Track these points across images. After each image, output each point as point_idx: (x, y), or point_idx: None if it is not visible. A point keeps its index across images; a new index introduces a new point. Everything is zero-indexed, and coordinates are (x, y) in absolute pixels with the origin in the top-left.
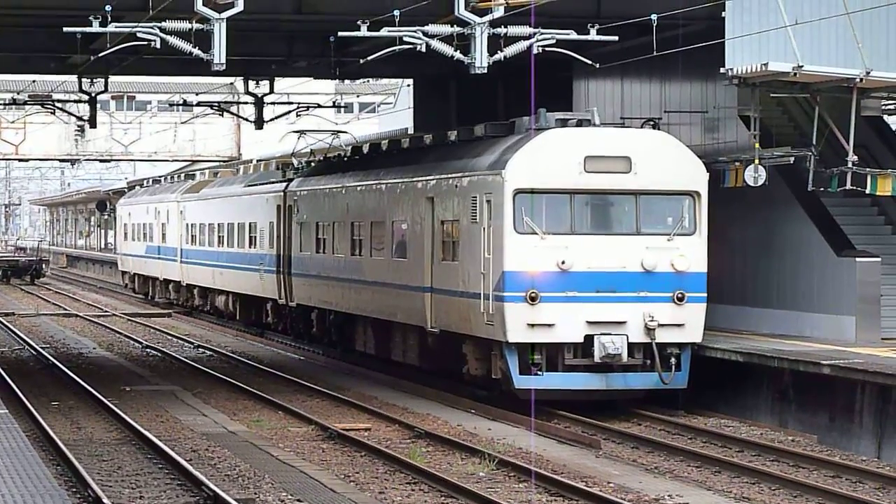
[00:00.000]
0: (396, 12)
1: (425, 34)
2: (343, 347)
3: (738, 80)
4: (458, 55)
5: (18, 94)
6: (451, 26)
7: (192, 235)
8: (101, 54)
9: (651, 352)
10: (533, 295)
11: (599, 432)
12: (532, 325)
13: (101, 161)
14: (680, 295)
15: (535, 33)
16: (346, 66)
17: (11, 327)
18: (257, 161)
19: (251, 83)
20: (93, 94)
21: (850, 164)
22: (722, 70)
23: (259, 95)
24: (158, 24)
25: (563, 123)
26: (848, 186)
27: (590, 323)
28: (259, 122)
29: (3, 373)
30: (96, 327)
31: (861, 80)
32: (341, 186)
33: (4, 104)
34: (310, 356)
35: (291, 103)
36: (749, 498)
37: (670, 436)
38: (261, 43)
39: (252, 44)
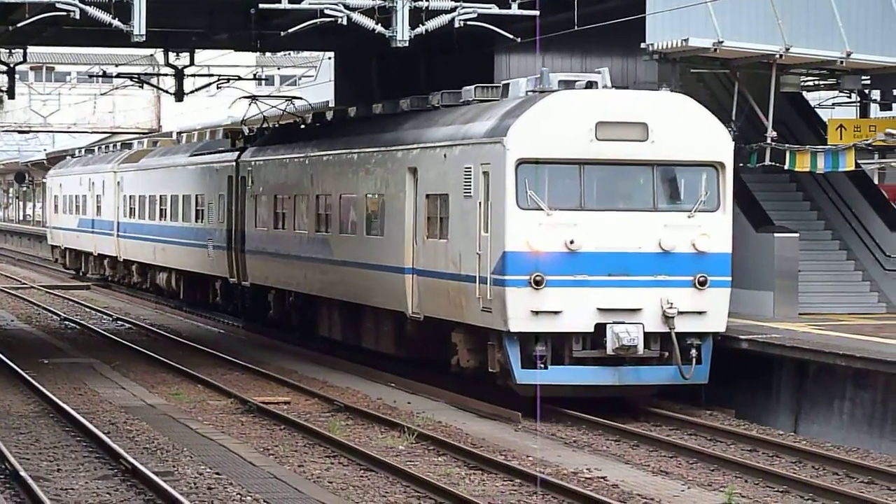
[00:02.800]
0: None
1: (346, 7)
2: (304, 332)
3: (658, 55)
4: (379, 28)
5: None
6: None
7: (131, 208)
8: (19, 24)
9: (670, 343)
10: (538, 278)
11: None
12: (536, 313)
13: (19, 132)
14: (702, 279)
15: (456, 7)
16: (267, 38)
17: None
18: (202, 129)
19: (171, 55)
20: (11, 65)
21: (769, 141)
22: (643, 45)
23: (179, 67)
24: None
25: (569, 85)
26: (767, 162)
27: (601, 310)
28: (179, 95)
29: None
30: (14, 300)
31: (780, 56)
32: (304, 156)
33: None
34: (230, 329)
35: (212, 76)
36: (667, 471)
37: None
38: (181, 15)
39: (173, 16)
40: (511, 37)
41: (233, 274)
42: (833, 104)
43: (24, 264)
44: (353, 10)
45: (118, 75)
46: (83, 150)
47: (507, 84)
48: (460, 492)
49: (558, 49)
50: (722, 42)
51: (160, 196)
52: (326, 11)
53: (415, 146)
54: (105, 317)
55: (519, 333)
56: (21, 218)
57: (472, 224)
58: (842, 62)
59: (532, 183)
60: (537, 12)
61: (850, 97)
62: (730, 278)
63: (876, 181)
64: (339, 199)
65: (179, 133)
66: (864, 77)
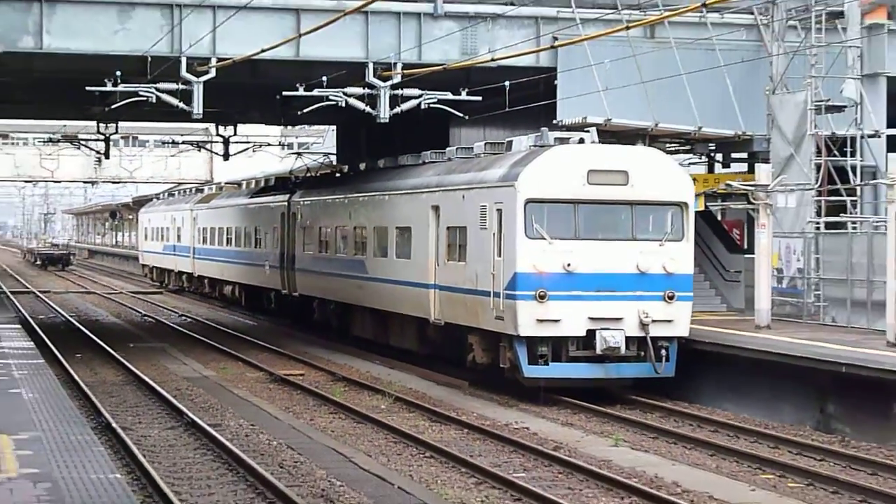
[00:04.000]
0: (324, 78)
1: (345, 94)
2: (341, 332)
3: (565, 128)
4: (367, 109)
5: (54, 134)
6: (363, 88)
7: (203, 237)
8: (113, 106)
9: (645, 344)
10: (542, 294)
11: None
12: (541, 321)
13: (112, 183)
14: (670, 294)
15: (422, 94)
16: (288, 115)
17: (47, 300)
18: (259, 178)
19: (220, 127)
20: (107, 135)
21: None
22: (554, 121)
23: (226, 136)
24: (154, 85)
25: (563, 141)
26: None
27: (591, 319)
28: (226, 156)
29: (41, 333)
30: (108, 301)
31: (651, 129)
32: (344, 197)
33: (44, 141)
34: (261, 323)
35: (249, 142)
36: (572, 424)
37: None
38: (227, 99)
39: (221, 100)
40: (461, 115)
41: (284, 286)
42: (689, 163)
43: (115, 276)
44: (349, 96)
45: (182, 142)
46: (165, 194)
47: (511, 141)
48: (425, 438)
49: (494, 123)
50: (610, 119)
51: (227, 227)
52: (330, 97)
53: (437, 189)
54: (173, 314)
55: (526, 337)
56: (114, 243)
57: (487, 250)
58: (695, 133)
59: (537, 218)
60: (480, 98)
61: (700, 158)
62: (691, 293)
63: (719, 217)
64: (373, 230)
65: (229, 182)
66: (710, 144)
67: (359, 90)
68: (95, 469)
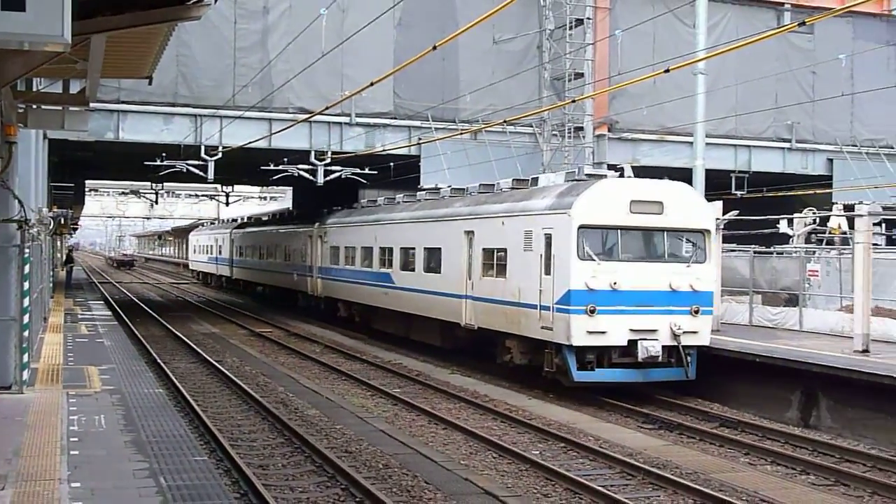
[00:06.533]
0: (286, 159)
1: (297, 168)
2: (365, 328)
3: (427, 192)
4: (310, 177)
5: (125, 189)
6: (308, 166)
7: (240, 252)
8: (160, 174)
9: (676, 352)
10: (592, 308)
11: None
12: (590, 332)
13: (159, 218)
14: (696, 309)
15: (343, 169)
16: (265, 179)
17: (120, 287)
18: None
19: (224, 186)
20: (157, 191)
21: None
22: (418, 186)
23: (227, 192)
24: (185, 162)
25: (594, 176)
26: None
27: (632, 330)
28: (227, 203)
29: (116, 306)
30: (157, 288)
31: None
32: (370, 222)
33: (119, 193)
34: (248, 301)
35: (241, 194)
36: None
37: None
38: (228, 169)
39: (224, 172)
40: (365, 181)
41: (312, 290)
42: None
43: (163, 274)
44: (300, 169)
45: (202, 195)
46: (207, 223)
47: (536, 178)
48: (342, 368)
49: (387, 186)
50: (451, 186)
51: (260, 245)
52: (288, 170)
53: (470, 217)
54: (196, 296)
55: (577, 346)
56: (161, 254)
57: (531, 269)
58: None
59: (588, 241)
60: (376, 172)
61: None
62: (713, 308)
63: None
64: (399, 250)
65: (225, 220)
66: None
67: (305, 166)
68: (147, 386)
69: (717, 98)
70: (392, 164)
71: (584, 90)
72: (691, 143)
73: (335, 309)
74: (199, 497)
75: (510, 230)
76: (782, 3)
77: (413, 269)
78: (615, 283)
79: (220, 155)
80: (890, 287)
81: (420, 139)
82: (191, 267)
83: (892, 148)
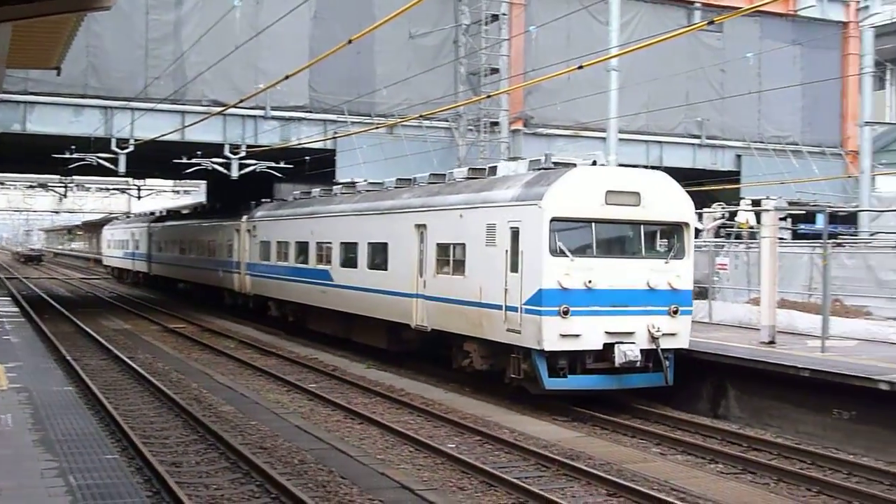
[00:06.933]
0: (199, 152)
1: (211, 162)
2: (297, 327)
3: (341, 185)
4: (224, 171)
5: (33, 182)
6: (223, 159)
7: (159, 247)
8: (69, 166)
9: (655, 356)
10: (565, 309)
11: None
12: (564, 336)
13: (68, 212)
14: (675, 308)
15: (257, 163)
16: (177, 172)
17: (27, 282)
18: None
19: (135, 179)
20: (66, 184)
21: None
22: (333, 181)
23: (139, 185)
24: (95, 155)
25: (563, 165)
26: None
27: (608, 333)
28: (139, 197)
29: (24, 304)
30: (67, 284)
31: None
32: (305, 216)
33: (27, 186)
34: (161, 296)
35: (153, 188)
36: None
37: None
38: (140, 163)
39: (136, 164)
40: (280, 175)
41: (238, 288)
42: None
43: (71, 269)
44: (214, 163)
45: (113, 188)
46: (122, 216)
47: (495, 166)
48: (258, 364)
49: (303, 180)
50: (367, 180)
51: (181, 240)
52: (202, 164)
53: (422, 209)
54: (107, 291)
55: (549, 351)
56: (70, 249)
57: (495, 266)
58: None
59: (561, 236)
60: (291, 166)
61: None
62: (692, 308)
63: None
64: (339, 245)
65: (140, 213)
66: None
67: (219, 160)
68: (56, 384)
69: (629, 94)
70: (307, 157)
71: (500, 85)
72: (604, 138)
73: (266, 308)
74: (110, 496)
75: (470, 223)
76: (693, 2)
77: (355, 266)
78: (590, 282)
79: (131, 148)
80: (795, 280)
81: (336, 133)
82: (104, 262)
83: (797, 145)
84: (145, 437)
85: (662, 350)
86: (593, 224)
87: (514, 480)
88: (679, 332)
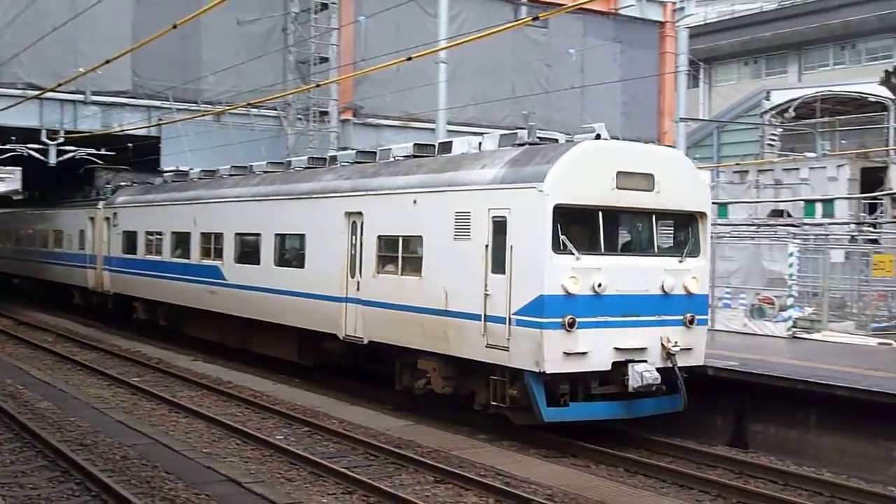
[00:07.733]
0: (13, 137)
1: (26, 148)
2: (173, 332)
3: (172, 172)
4: (41, 157)
5: None
6: (39, 145)
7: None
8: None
9: (672, 375)
10: (571, 321)
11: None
12: (568, 354)
13: None
14: (690, 318)
15: (77, 149)
16: None
17: None
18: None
19: None
20: None
21: None
22: (158, 168)
23: None
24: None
25: (547, 140)
26: None
27: (617, 350)
28: None
29: None
30: None
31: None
32: (179, 201)
33: None
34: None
35: None
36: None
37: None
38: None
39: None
40: (101, 163)
41: (92, 285)
42: None
43: None
44: (29, 149)
45: None
46: None
47: (450, 142)
48: (77, 358)
49: (123, 167)
50: (193, 168)
51: (17, 230)
52: (17, 150)
53: (356, 192)
54: None
55: (549, 374)
56: None
57: (471, 265)
58: None
59: (564, 228)
60: (114, 153)
61: None
62: (707, 317)
63: None
64: (233, 237)
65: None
66: None
67: (36, 146)
68: None
69: (458, 86)
70: (130, 144)
71: (329, 75)
72: (434, 129)
73: (130, 309)
74: None
75: (429, 211)
76: None
77: (257, 263)
78: (599, 286)
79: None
80: None
81: (160, 119)
82: None
83: (618, 139)
84: None
85: (679, 369)
86: (600, 213)
87: (343, 470)
88: (695, 347)
